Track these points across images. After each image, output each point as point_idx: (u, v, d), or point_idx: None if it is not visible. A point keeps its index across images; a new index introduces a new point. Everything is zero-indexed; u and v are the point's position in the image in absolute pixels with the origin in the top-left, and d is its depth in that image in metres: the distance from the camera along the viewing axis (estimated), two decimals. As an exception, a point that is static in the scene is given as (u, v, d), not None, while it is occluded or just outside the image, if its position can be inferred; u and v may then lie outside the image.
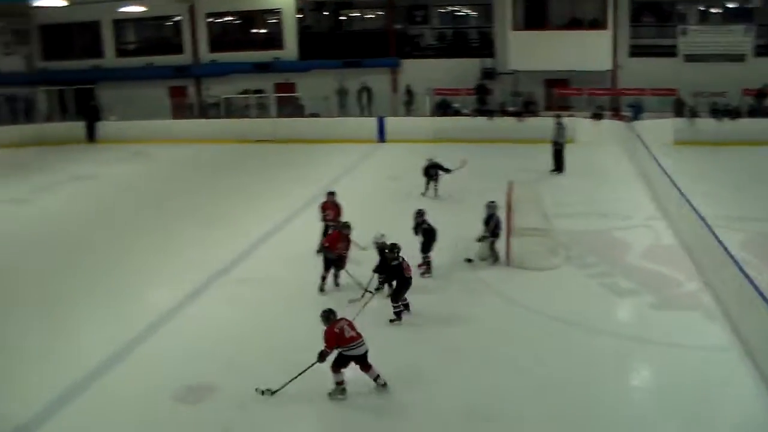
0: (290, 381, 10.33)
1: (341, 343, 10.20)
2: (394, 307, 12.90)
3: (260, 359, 11.70)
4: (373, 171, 19.24)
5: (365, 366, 10.43)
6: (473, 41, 36.71)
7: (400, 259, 12.81)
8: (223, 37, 37.89)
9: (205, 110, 35.38)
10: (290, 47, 35.66)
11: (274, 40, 36.48)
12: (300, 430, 10.30)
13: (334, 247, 14.16)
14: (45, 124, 34.62)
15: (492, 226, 15.30)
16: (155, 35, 39.74)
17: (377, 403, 10.37)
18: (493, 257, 15.52)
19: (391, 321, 12.84)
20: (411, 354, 11.78)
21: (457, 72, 32.26)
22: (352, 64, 33.76)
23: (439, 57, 34.85)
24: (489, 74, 32.30)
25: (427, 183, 21.03)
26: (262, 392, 10.40)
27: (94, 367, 11.51)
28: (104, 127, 34.31)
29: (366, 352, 10.37)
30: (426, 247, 14.83)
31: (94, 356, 11.90)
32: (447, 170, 21.04)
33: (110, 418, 10.17)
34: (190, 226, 19.03)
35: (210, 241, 17.63)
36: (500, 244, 15.44)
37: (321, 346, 10.20)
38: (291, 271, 15.50)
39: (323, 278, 14.25)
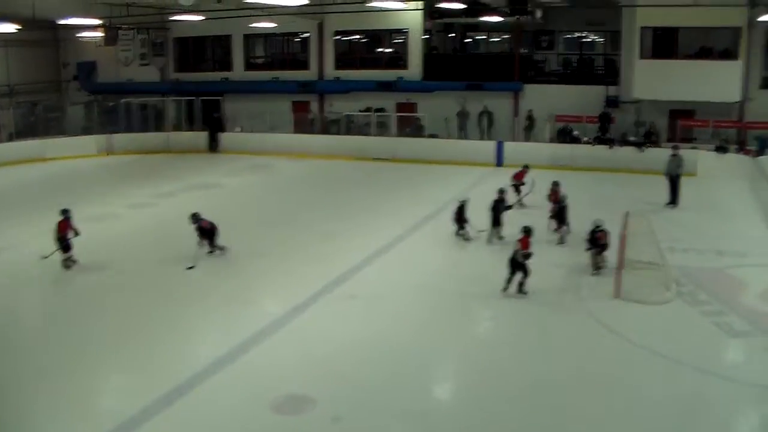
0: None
1: None
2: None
3: (363, 373, 11.99)
4: (488, 194, 19.34)
5: None
6: (598, 68, 36.39)
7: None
8: (348, 55, 38.65)
9: (327, 126, 36.07)
10: (414, 67, 36.11)
11: (398, 59, 37.11)
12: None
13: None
14: (171, 133, 36.18)
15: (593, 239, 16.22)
16: (283, 51, 40.88)
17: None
18: (597, 266, 16.37)
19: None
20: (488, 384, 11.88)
21: (579, 99, 32.01)
22: (475, 87, 33.90)
23: (562, 83, 34.76)
24: (612, 102, 31.93)
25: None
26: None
27: (200, 370, 11.99)
28: (227, 138, 35.63)
29: None
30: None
31: (201, 359, 12.42)
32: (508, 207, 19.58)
33: (208, 422, 10.54)
34: (306, 240, 19.53)
35: (323, 255, 18.09)
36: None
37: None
38: (401, 288, 15.93)
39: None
